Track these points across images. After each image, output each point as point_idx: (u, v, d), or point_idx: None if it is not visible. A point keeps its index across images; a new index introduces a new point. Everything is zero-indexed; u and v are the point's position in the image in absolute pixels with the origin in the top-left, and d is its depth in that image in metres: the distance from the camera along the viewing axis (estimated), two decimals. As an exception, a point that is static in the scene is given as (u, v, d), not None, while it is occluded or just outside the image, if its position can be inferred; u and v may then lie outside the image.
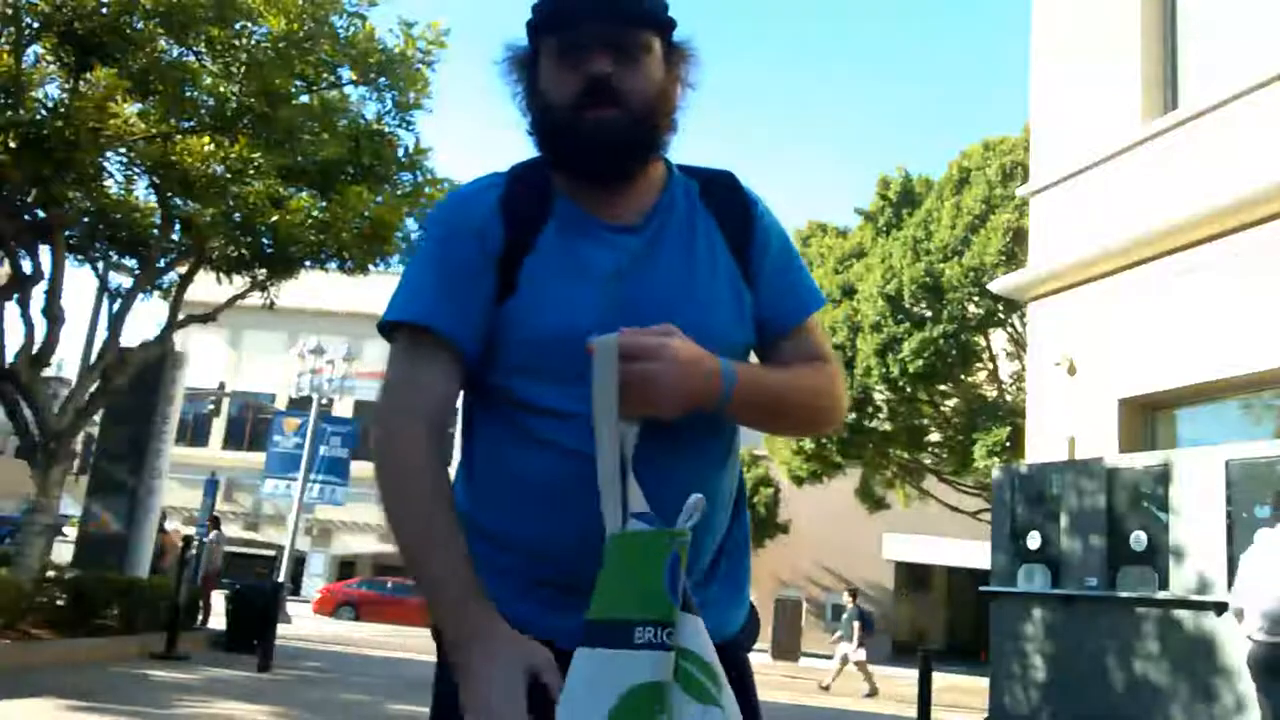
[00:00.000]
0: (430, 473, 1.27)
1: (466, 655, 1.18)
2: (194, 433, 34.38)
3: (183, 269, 11.76)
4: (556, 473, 1.28)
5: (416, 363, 1.31)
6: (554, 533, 1.27)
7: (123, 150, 9.92)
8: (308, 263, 11.33)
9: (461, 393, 1.39)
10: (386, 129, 11.36)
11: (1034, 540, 8.18)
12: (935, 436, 20.41)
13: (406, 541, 1.25)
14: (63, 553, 12.94)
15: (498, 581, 1.27)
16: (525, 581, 1.29)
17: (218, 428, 35.77)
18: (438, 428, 1.30)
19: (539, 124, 1.38)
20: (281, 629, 11.74)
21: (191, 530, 14.96)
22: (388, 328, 1.34)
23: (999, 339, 18.84)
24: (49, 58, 9.73)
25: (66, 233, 10.67)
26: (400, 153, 11.41)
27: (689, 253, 1.38)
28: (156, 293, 12.09)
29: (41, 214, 10.34)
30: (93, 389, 10.88)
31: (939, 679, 8.86)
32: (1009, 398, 17.99)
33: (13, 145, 8.89)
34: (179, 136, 9.52)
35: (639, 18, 1.35)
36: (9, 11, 8.98)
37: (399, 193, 11.46)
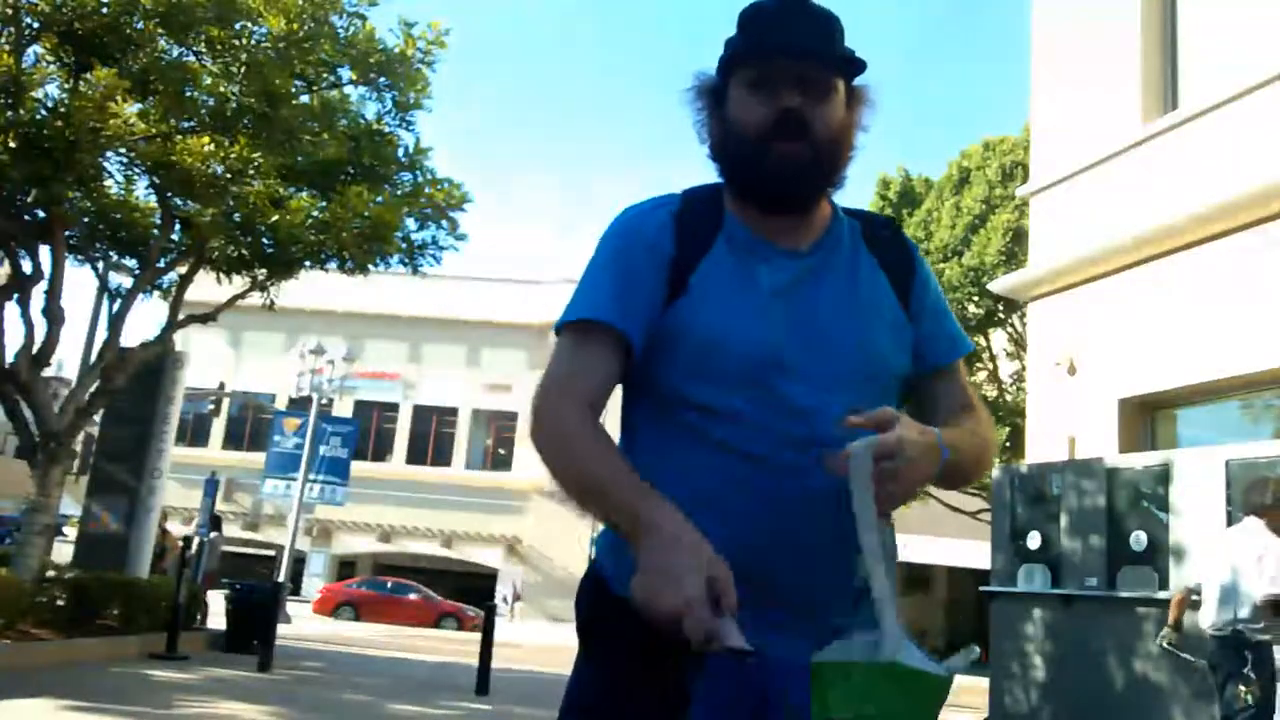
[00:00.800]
0: (591, 427, 1.32)
1: (649, 523, 1.19)
2: (194, 433, 34.38)
3: (183, 269, 11.75)
4: (727, 474, 1.32)
5: (578, 350, 1.38)
6: (725, 537, 1.26)
7: (123, 150, 9.92)
8: (308, 263, 11.33)
9: (623, 401, 1.46)
10: (386, 129, 11.37)
11: (1034, 540, 8.18)
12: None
13: (577, 474, 1.29)
14: (63, 553, 12.93)
15: None
16: None
17: (218, 428, 35.76)
18: (595, 407, 1.35)
19: (724, 150, 1.45)
20: (281, 629, 11.74)
21: (191, 530, 14.95)
22: (560, 330, 1.41)
23: (999, 339, 18.83)
24: (49, 58, 9.73)
25: (66, 233, 10.66)
26: (400, 153, 11.41)
27: (853, 281, 1.46)
28: (156, 293, 12.09)
29: (41, 214, 10.34)
30: (93, 389, 10.87)
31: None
32: (1009, 398, 17.99)
33: (13, 145, 8.89)
34: (179, 136, 9.52)
35: (830, 59, 1.42)
36: (9, 11, 8.98)
37: (399, 193, 11.45)
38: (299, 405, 25.37)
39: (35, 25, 9.23)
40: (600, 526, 1.40)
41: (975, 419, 1.49)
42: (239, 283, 11.69)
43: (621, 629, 1.31)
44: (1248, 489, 5.64)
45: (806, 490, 1.31)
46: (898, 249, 1.53)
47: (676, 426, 1.38)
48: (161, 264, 11.57)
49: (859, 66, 1.44)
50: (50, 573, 10.02)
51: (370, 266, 11.35)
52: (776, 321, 1.37)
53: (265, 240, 10.93)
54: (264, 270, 11.52)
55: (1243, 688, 5.14)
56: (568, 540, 30.96)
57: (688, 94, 1.48)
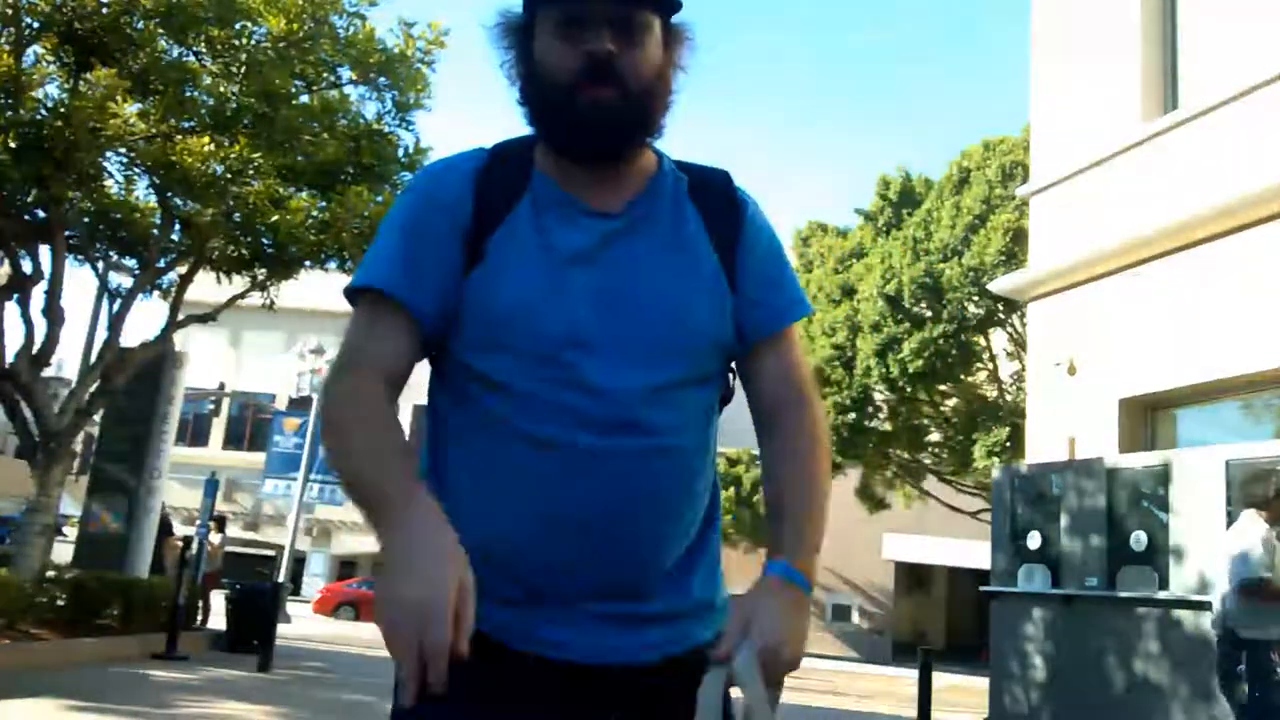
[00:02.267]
0: (371, 404, 1.22)
1: (398, 547, 1.07)
2: (194, 433, 34.39)
3: (183, 269, 11.75)
4: (521, 459, 1.24)
5: (373, 326, 1.29)
6: (512, 522, 1.24)
7: (123, 150, 9.92)
8: (308, 263, 11.33)
9: (429, 381, 1.36)
10: (386, 129, 11.36)
11: (1034, 540, 8.18)
12: (935, 436, 20.42)
13: (344, 456, 1.20)
14: (63, 553, 12.94)
15: (477, 589, 1.18)
16: (498, 584, 1.21)
17: (218, 428, 35.78)
18: (389, 381, 1.26)
19: (531, 98, 1.33)
20: (281, 629, 11.73)
21: (192, 530, 14.96)
22: (352, 294, 1.32)
23: (999, 339, 18.84)
24: (49, 58, 9.73)
25: (66, 233, 10.66)
26: (400, 153, 11.41)
27: (668, 244, 1.34)
28: (156, 293, 12.08)
29: (41, 214, 10.34)
30: (93, 389, 10.87)
31: (939, 679, 8.87)
32: (1009, 398, 18.00)
33: (13, 145, 8.89)
34: (179, 136, 9.51)
35: None
36: (9, 11, 8.98)
37: (399, 193, 11.43)
38: (299, 405, 25.40)
39: (35, 25, 9.23)
40: None
41: (805, 434, 1.35)
42: (239, 283, 11.69)
43: None
44: (1248, 482, 5.62)
45: (600, 475, 1.22)
46: (725, 205, 1.39)
47: (471, 406, 1.29)
48: (161, 264, 11.56)
49: (675, 3, 1.32)
50: (50, 573, 10.02)
51: (370, 267, 11.34)
52: (574, 291, 1.26)
53: (265, 240, 10.92)
54: (264, 270, 11.52)
55: (1240, 687, 5.12)
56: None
57: (492, 32, 1.36)
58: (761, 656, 1.14)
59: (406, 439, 1.22)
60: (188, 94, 9.92)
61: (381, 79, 10.91)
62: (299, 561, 31.25)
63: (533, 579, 1.23)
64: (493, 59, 1.37)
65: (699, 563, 1.34)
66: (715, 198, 1.40)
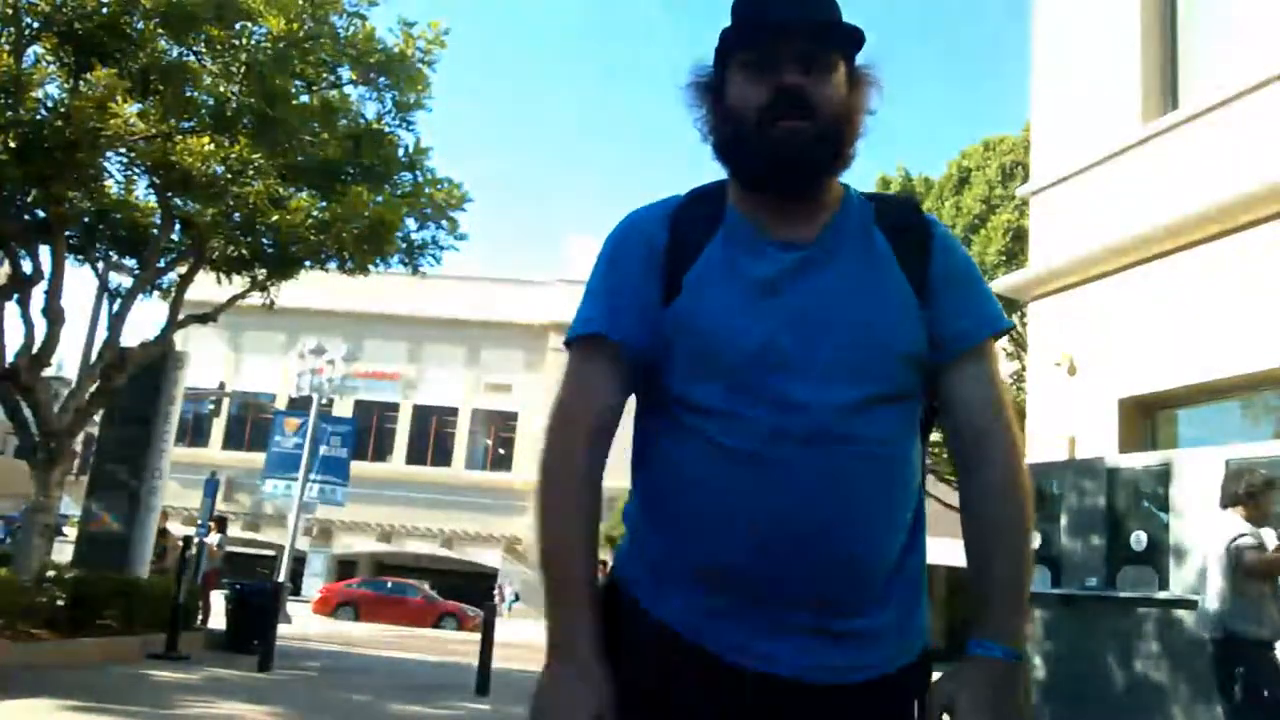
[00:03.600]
0: (582, 486, 1.34)
1: (555, 678, 1.29)
2: (194, 433, 34.39)
3: (183, 269, 11.75)
4: (727, 475, 1.29)
5: (581, 369, 1.39)
6: (723, 538, 1.28)
7: (123, 150, 9.92)
8: (308, 263, 11.33)
9: (636, 402, 1.44)
10: (386, 129, 11.37)
11: (1034, 540, 8.18)
12: (935, 436, 20.40)
13: (545, 543, 1.34)
14: (63, 553, 12.93)
15: (683, 600, 1.31)
16: (713, 599, 1.29)
17: (218, 428, 35.76)
18: (601, 433, 1.36)
19: (724, 137, 1.39)
20: (281, 629, 11.74)
21: (192, 530, 14.96)
22: (569, 347, 1.42)
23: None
24: (49, 58, 9.73)
25: (66, 233, 10.66)
26: (400, 153, 11.41)
27: (859, 268, 1.37)
28: (156, 293, 12.09)
29: (41, 214, 10.34)
30: (93, 389, 10.88)
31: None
32: (1009, 398, 18.00)
33: (13, 145, 8.89)
34: (179, 136, 9.51)
35: (833, 33, 1.37)
36: (9, 11, 8.98)
37: (399, 193, 11.46)
38: (299, 405, 25.38)
39: (35, 25, 9.23)
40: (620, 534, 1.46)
41: (1009, 476, 1.36)
42: (239, 283, 11.70)
43: (643, 639, 1.33)
44: (1224, 482, 5.52)
45: (807, 485, 1.26)
46: (912, 227, 1.44)
47: (679, 429, 1.34)
48: (161, 264, 11.57)
49: (859, 40, 1.38)
50: (50, 573, 10.02)
51: (370, 266, 11.36)
52: (768, 315, 1.32)
53: (265, 240, 10.93)
54: (264, 270, 11.53)
55: (1239, 687, 5.06)
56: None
57: (686, 91, 1.43)
58: None
59: (591, 519, 1.35)
60: (188, 94, 9.93)
61: (381, 79, 10.93)
62: (299, 561, 31.22)
63: (747, 592, 1.28)
64: (688, 116, 1.44)
65: (904, 581, 1.36)
66: (902, 223, 1.44)
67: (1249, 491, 5.26)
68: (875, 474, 1.31)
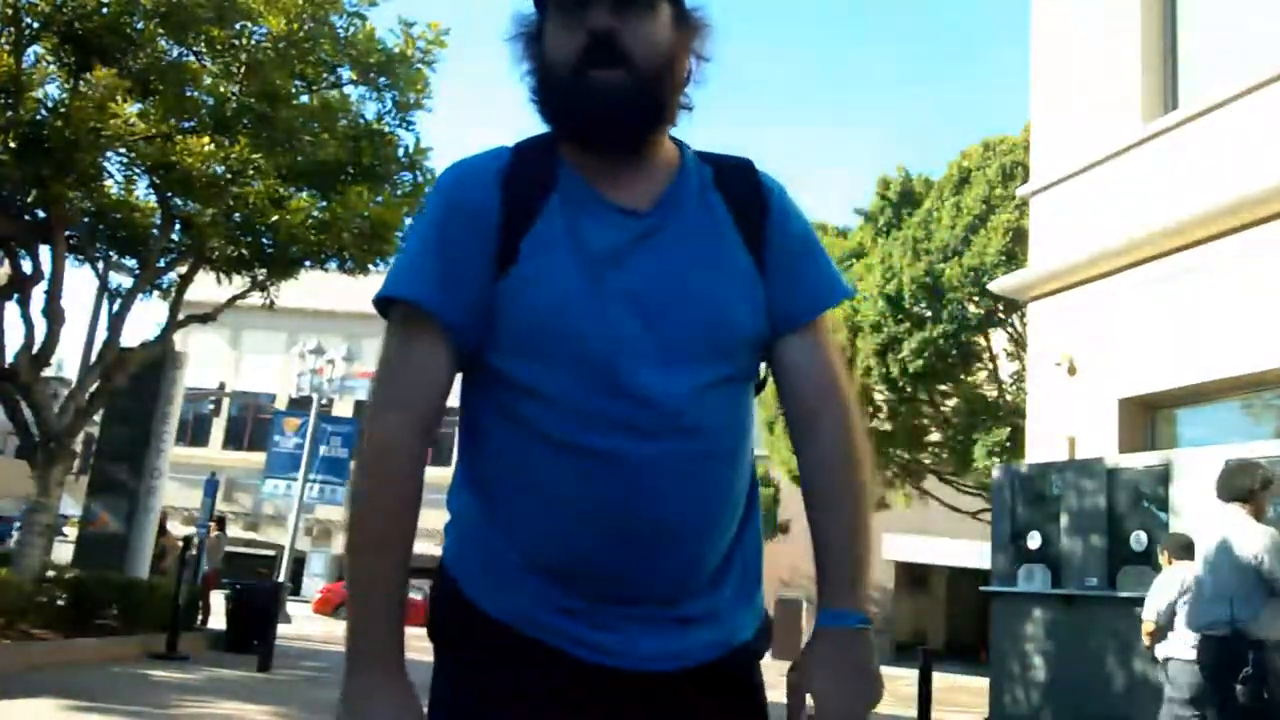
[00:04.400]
0: (408, 478, 1.23)
1: (356, 688, 1.23)
2: (194, 433, 34.38)
3: (183, 269, 11.75)
4: (556, 464, 1.21)
5: (409, 348, 1.25)
6: (560, 532, 1.22)
7: (123, 150, 9.92)
8: (308, 263, 11.33)
9: (460, 379, 1.33)
10: (386, 129, 11.36)
11: (1034, 540, 8.18)
12: (935, 436, 20.40)
13: (360, 540, 1.23)
14: (63, 553, 12.94)
15: (527, 595, 1.23)
16: (552, 592, 1.23)
17: (218, 428, 35.78)
18: (426, 422, 1.25)
19: (541, 88, 1.30)
20: (281, 629, 11.74)
21: (192, 530, 14.97)
22: (383, 303, 1.28)
23: (999, 339, 18.83)
24: (49, 58, 9.73)
25: (66, 233, 10.66)
26: (400, 153, 11.41)
27: (699, 239, 1.29)
28: (156, 293, 12.08)
29: (41, 214, 10.34)
30: (93, 389, 10.87)
31: (939, 679, 8.85)
32: (1009, 398, 17.99)
33: (13, 145, 8.89)
34: (179, 136, 9.51)
35: None
36: (9, 11, 8.98)
37: (399, 193, 11.45)
38: (299, 405, 25.40)
39: (35, 25, 9.23)
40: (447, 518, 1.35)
41: (843, 444, 1.31)
42: (239, 283, 11.69)
43: (474, 634, 1.25)
44: (1230, 475, 5.43)
45: (642, 476, 1.19)
46: (751, 192, 1.35)
47: (511, 415, 1.24)
48: (161, 264, 11.56)
49: None
50: (50, 573, 10.02)
51: (370, 266, 11.35)
52: (611, 294, 1.22)
53: (265, 240, 10.92)
54: (264, 270, 11.52)
55: (1241, 687, 5.02)
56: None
57: (511, 45, 1.33)
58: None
59: (412, 530, 1.24)
60: (188, 94, 9.92)
61: (381, 79, 10.92)
62: (299, 561, 31.24)
63: (584, 587, 1.22)
64: (514, 71, 1.33)
65: (736, 560, 1.32)
66: (740, 186, 1.35)
67: (1259, 487, 5.24)
68: (715, 469, 1.25)
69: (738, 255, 1.31)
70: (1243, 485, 5.25)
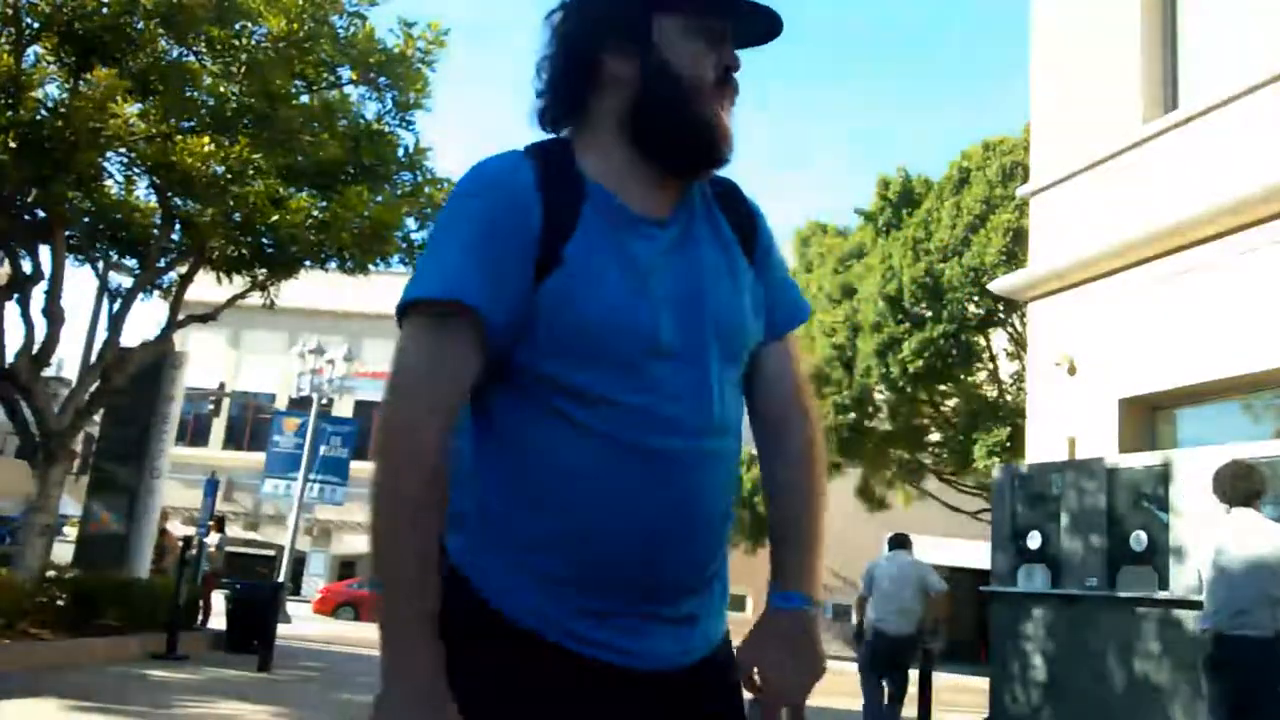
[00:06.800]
0: (435, 481, 1.19)
1: (390, 702, 1.15)
2: (194, 433, 34.37)
3: (183, 269, 11.75)
4: (597, 461, 1.23)
5: (440, 340, 1.21)
6: (613, 533, 1.23)
7: (123, 150, 9.93)
8: (308, 263, 11.34)
9: (483, 389, 1.30)
10: (386, 129, 11.37)
11: (1034, 540, 8.17)
12: (935, 436, 20.41)
13: (385, 548, 1.18)
14: (63, 553, 12.94)
15: (550, 597, 1.23)
16: (585, 596, 1.23)
17: (218, 428, 35.77)
18: (454, 420, 1.22)
19: (650, 103, 1.30)
20: (281, 629, 11.73)
21: (192, 530, 14.97)
22: (413, 305, 1.23)
23: (999, 339, 18.84)
24: (49, 58, 9.73)
25: (66, 233, 10.66)
26: (400, 153, 11.41)
27: (714, 250, 1.37)
28: (156, 293, 12.09)
29: (41, 214, 10.34)
30: (93, 389, 10.88)
31: (939, 679, 8.87)
32: (1009, 398, 17.99)
33: (13, 145, 8.89)
34: (179, 136, 9.52)
35: (779, 23, 1.38)
36: (9, 11, 8.98)
37: (399, 193, 11.46)
38: (299, 405, 25.40)
39: (35, 25, 9.23)
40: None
41: (807, 453, 1.42)
42: (239, 283, 11.69)
43: (496, 641, 1.24)
44: (1236, 478, 5.40)
45: (692, 478, 1.26)
46: (742, 209, 1.45)
47: (541, 410, 1.25)
48: (161, 264, 11.57)
49: (777, 30, 1.39)
50: (50, 573, 10.02)
51: (370, 266, 11.36)
52: (651, 299, 1.27)
53: (265, 240, 10.93)
54: (264, 270, 11.52)
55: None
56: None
57: (565, 12, 1.36)
58: (780, 704, 1.29)
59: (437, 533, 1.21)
60: (188, 94, 9.92)
61: (381, 79, 10.93)
62: (299, 561, 31.25)
63: (609, 587, 1.24)
64: (542, 39, 1.36)
65: (721, 557, 1.38)
66: (734, 203, 1.45)
67: (1263, 489, 5.25)
68: (734, 463, 1.35)
69: (744, 264, 1.40)
70: (1252, 488, 5.25)
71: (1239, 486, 5.27)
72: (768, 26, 1.37)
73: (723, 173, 1.45)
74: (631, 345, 1.24)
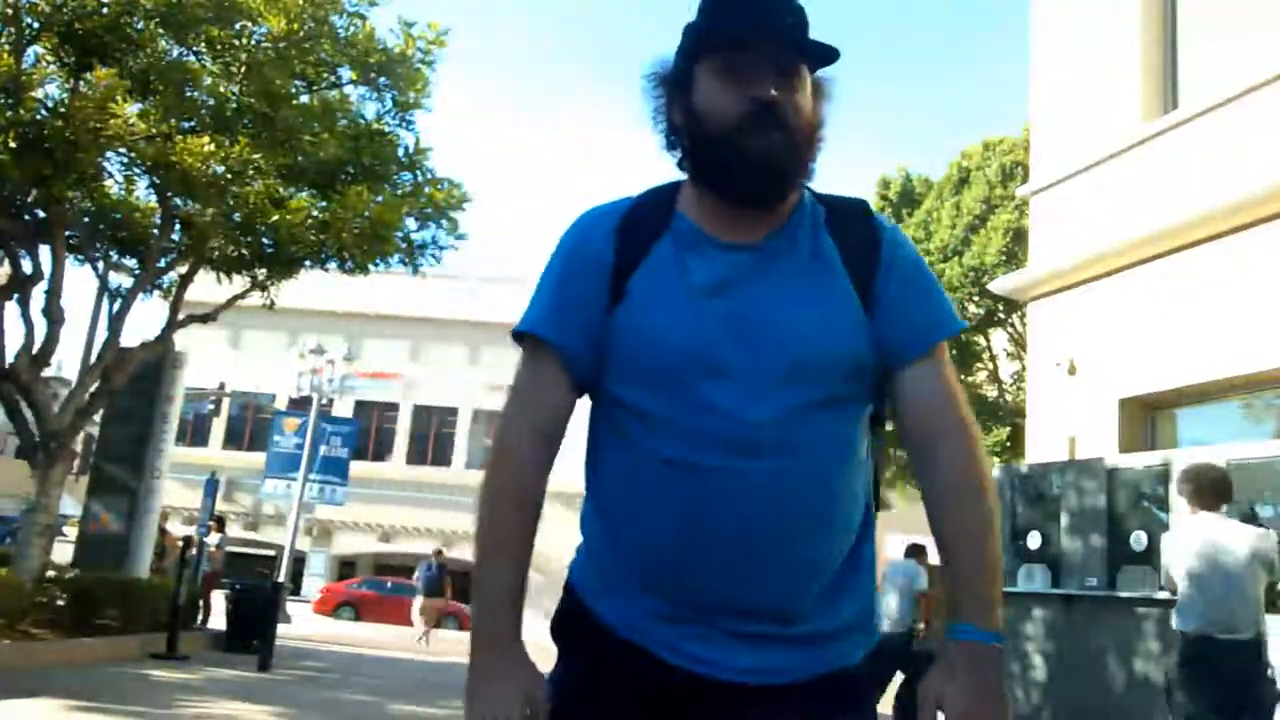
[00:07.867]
0: (522, 483, 1.39)
1: (477, 667, 1.34)
2: (194, 433, 34.36)
3: (183, 269, 11.75)
4: (654, 479, 1.32)
5: (531, 370, 1.43)
6: (654, 541, 1.32)
7: (123, 150, 9.92)
8: (308, 263, 11.33)
9: (587, 407, 1.48)
10: (386, 129, 11.36)
11: (1034, 540, 8.18)
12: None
13: (481, 540, 1.38)
14: (63, 553, 12.93)
15: (625, 600, 1.36)
16: (652, 600, 1.34)
17: (218, 428, 35.75)
18: (546, 434, 1.41)
19: (691, 142, 1.39)
20: (281, 629, 11.74)
21: (192, 530, 14.96)
22: (517, 337, 1.45)
23: (999, 339, 18.84)
24: (49, 58, 9.73)
25: (66, 233, 10.66)
26: (400, 153, 11.41)
27: (803, 272, 1.38)
28: (156, 293, 12.08)
29: (41, 214, 10.34)
30: (93, 389, 10.87)
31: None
32: (1009, 398, 17.99)
33: (13, 145, 8.89)
34: (179, 136, 9.51)
35: (807, 46, 1.38)
36: (9, 11, 8.98)
37: (399, 193, 11.45)
38: (299, 405, 25.37)
39: (35, 25, 9.23)
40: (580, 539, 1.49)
41: (966, 469, 1.36)
42: (239, 283, 11.69)
43: (585, 637, 1.40)
44: (1215, 482, 5.42)
45: (742, 494, 1.28)
46: (862, 233, 1.43)
47: (617, 432, 1.39)
48: (161, 264, 11.56)
49: (833, 56, 1.38)
50: (50, 573, 10.02)
51: (370, 266, 11.35)
52: (707, 319, 1.32)
53: (265, 240, 10.92)
54: (264, 270, 11.52)
55: (1271, 688, 4.98)
56: (568, 540, 30.93)
57: (646, 81, 1.43)
58: None
59: (530, 522, 1.40)
60: (188, 94, 9.92)
61: (381, 79, 10.92)
62: (299, 561, 31.22)
63: (677, 595, 1.32)
64: (644, 109, 1.44)
65: (848, 584, 1.38)
66: (852, 225, 1.44)
67: (1230, 493, 5.32)
68: (813, 481, 1.31)
69: (841, 287, 1.38)
70: (1228, 489, 5.32)
71: (1219, 488, 5.33)
72: (801, 50, 1.38)
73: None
74: (680, 363, 1.31)
